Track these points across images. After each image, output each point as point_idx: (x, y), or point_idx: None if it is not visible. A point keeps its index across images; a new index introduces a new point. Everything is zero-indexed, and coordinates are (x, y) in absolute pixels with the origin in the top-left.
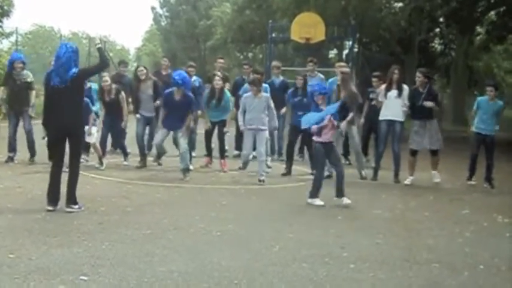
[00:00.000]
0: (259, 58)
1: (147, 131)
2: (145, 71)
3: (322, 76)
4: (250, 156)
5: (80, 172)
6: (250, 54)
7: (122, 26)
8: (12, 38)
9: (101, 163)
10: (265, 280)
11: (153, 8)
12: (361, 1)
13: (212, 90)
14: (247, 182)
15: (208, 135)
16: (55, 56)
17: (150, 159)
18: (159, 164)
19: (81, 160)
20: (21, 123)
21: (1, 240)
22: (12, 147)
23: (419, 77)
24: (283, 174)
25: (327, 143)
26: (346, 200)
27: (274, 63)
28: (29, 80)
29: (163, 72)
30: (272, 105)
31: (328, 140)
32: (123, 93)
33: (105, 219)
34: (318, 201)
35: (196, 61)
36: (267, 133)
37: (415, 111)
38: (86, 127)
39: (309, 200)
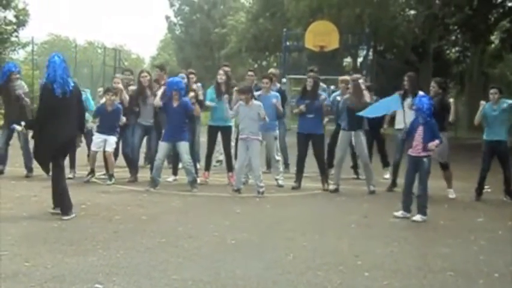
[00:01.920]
0: (273, 66)
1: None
2: (149, 76)
3: (324, 86)
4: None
5: (95, 181)
6: (264, 63)
7: (137, 35)
8: (28, 48)
9: (110, 177)
10: None
11: (167, 17)
12: (375, 9)
13: (217, 85)
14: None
15: (211, 143)
16: (52, 67)
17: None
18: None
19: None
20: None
21: (17, 249)
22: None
23: (433, 87)
24: (293, 188)
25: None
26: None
27: (271, 70)
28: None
29: (162, 82)
30: (263, 113)
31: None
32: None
33: (120, 228)
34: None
35: (210, 70)
36: (258, 144)
37: None
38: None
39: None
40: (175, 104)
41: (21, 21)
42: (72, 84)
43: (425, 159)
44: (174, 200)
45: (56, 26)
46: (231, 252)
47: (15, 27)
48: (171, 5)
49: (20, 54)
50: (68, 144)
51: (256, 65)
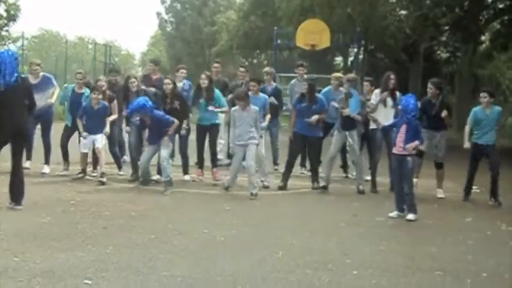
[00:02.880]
0: (264, 65)
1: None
2: (136, 82)
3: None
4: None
5: (87, 177)
6: (255, 61)
7: (128, 31)
8: (19, 43)
9: (102, 175)
10: (268, 286)
11: (158, 14)
12: (366, 8)
13: (198, 88)
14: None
15: (200, 142)
16: None
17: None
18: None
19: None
20: None
21: (6, 244)
22: None
23: (431, 89)
24: (280, 188)
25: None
26: (409, 216)
27: (266, 69)
28: None
29: (154, 77)
30: (257, 118)
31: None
32: (115, 101)
33: (110, 224)
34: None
35: (201, 67)
36: (255, 147)
37: (428, 122)
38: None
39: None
40: (148, 121)
41: (11, 16)
42: (16, 77)
43: (408, 158)
44: (164, 197)
45: (47, 21)
46: (221, 249)
47: (5, 21)
48: (162, 2)
49: (10, 49)
50: (16, 136)
51: (247, 63)
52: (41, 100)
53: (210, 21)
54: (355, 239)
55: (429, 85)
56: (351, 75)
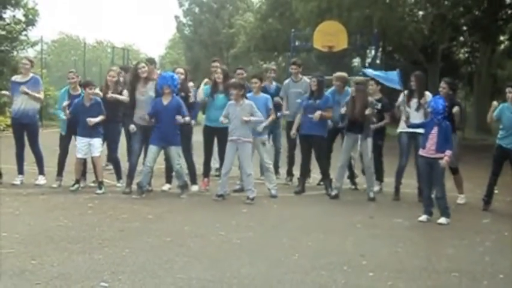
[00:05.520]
0: (282, 67)
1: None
2: (146, 68)
3: (308, 81)
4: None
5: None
6: (273, 63)
7: (146, 34)
8: (38, 47)
9: (100, 185)
10: None
11: (176, 17)
12: (384, 10)
13: (214, 83)
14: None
15: (208, 146)
16: None
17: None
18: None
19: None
20: None
21: (23, 247)
22: None
23: (444, 88)
24: (296, 193)
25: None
26: (441, 220)
27: (267, 65)
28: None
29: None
30: (257, 112)
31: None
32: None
33: (126, 227)
34: (442, 220)
35: None
36: (249, 146)
37: None
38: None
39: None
40: (165, 102)
41: (30, 20)
42: None
43: (440, 161)
44: (181, 199)
45: (66, 25)
46: (236, 252)
47: (24, 26)
48: (180, 5)
49: (29, 53)
50: None
51: (264, 65)
52: (27, 101)
53: (228, 24)
54: (371, 241)
55: (442, 84)
56: (359, 78)
